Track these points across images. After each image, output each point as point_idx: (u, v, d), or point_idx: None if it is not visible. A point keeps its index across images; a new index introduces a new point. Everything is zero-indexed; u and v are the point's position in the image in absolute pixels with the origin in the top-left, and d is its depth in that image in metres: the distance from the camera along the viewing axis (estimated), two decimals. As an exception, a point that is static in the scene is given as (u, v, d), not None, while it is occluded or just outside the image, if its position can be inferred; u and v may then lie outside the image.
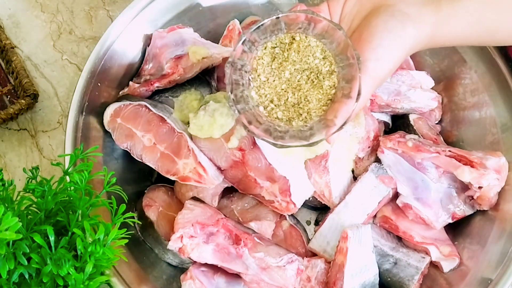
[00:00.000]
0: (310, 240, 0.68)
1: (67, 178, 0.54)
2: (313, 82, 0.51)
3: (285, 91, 0.52)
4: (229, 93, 0.50)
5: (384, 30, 0.50)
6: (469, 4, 0.52)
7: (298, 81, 0.51)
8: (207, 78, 0.75)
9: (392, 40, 0.50)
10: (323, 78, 0.51)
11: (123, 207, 0.53)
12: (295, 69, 0.52)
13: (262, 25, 0.49)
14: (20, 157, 0.78)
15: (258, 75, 0.52)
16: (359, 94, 0.47)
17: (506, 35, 0.55)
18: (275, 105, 0.52)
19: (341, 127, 0.49)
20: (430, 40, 0.52)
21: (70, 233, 0.49)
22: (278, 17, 0.49)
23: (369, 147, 0.69)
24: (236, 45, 0.49)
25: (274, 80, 0.52)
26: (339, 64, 0.50)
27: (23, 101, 0.76)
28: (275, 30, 0.51)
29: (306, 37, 0.51)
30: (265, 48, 0.52)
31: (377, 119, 0.71)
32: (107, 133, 0.68)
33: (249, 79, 0.52)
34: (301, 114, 0.51)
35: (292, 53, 0.51)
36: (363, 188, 0.67)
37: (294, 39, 0.51)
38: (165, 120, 0.65)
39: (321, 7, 0.55)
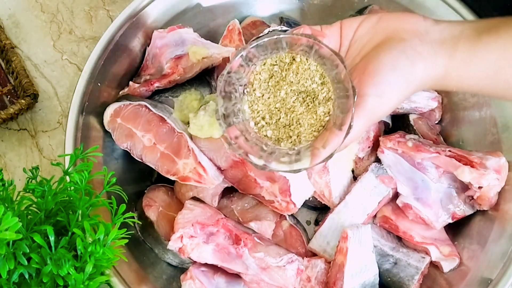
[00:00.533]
0: (310, 240, 0.68)
1: (67, 178, 0.54)
2: (308, 106, 0.50)
3: (278, 110, 0.50)
4: (220, 106, 0.48)
5: (391, 67, 0.47)
6: (488, 53, 0.48)
7: (293, 102, 0.50)
8: (207, 78, 0.75)
9: (398, 78, 0.47)
10: (319, 104, 0.49)
11: (123, 207, 0.53)
12: (291, 90, 0.50)
13: (262, 42, 0.48)
14: (20, 157, 0.78)
15: (254, 90, 0.51)
16: (350, 128, 0.45)
17: None
18: (266, 123, 0.51)
19: (327, 158, 0.47)
20: (438, 82, 0.49)
21: (70, 233, 0.49)
22: (279, 37, 0.47)
23: (369, 147, 0.69)
24: (233, 59, 0.48)
25: (269, 97, 0.51)
26: (337, 93, 0.49)
27: (23, 101, 0.76)
28: (276, 47, 0.49)
29: (307, 59, 0.50)
30: (264, 64, 0.51)
31: (377, 119, 0.71)
32: (107, 133, 0.68)
33: (244, 92, 0.51)
34: (290, 136, 0.50)
35: (290, 74, 0.50)
36: (363, 188, 0.67)
37: (294, 59, 0.50)
38: (165, 120, 0.65)
39: (333, 27, 0.52)
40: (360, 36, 0.51)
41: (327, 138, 0.47)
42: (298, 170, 0.47)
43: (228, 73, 0.48)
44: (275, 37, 0.47)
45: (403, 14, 0.51)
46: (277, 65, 0.51)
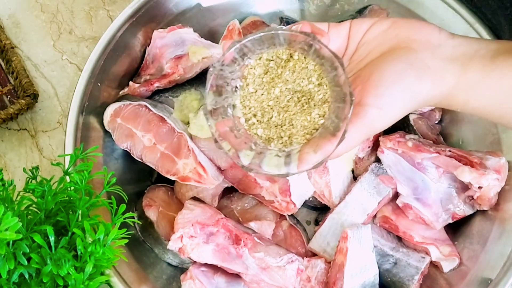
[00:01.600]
0: (310, 240, 0.68)
1: (67, 178, 0.54)
2: (303, 106, 0.47)
3: (271, 109, 0.48)
4: (208, 100, 0.46)
5: (397, 79, 0.44)
6: (501, 78, 0.44)
7: (288, 101, 0.47)
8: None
9: (402, 92, 0.44)
10: (314, 105, 0.46)
11: (123, 207, 0.53)
12: (286, 88, 0.47)
13: (258, 36, 0.45)
14: (20, 157, 0.78)
15: (247, 85, 0.48)
16: (344, 135, 0.43)
17: None
18: (258, 121, 0.48)
19: (317, 165, 0.44)
20: (443, 100, 0.46)
21: (70, 233, 0.49)
22: (276, 32, 0.45)
23: (369, 147, 0.69)
24: (226, 51, 0.45)
25: (262, 94, 0.48)
26: (334, 96, 0.46)
27: (23, 101, 0.76)
28: (273, 43, 0.47)
29: (305, 58, 0.47)
30: (260, 59, 0.48)
31: (377, 119, 0.71)
32: (107, 133, 0.68)
33: (236, 86, 0.48)
34: (281, 137, 0.47)
35: (286, 72, 0.47)
36: (363, 188, 0.67)
37: (292, 57, 0.47)
38: (165, 120, 0.65)
39: (342, 26, 0.49)
40: (368, 39, 0.48)
41: (319, 143, 0.44)
42: (286, 174, 0.45)
43: (221, 65, 0.46)
44: (272, 32, 0.45)
45: (418, 22, 0.47)
46: (273, 60, 0.48)
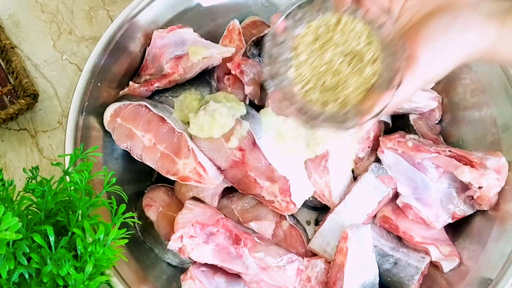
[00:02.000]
0: (310, 240, 0.68)
1: (67, 178, 0.54)
2: (355, 67, 0.49)
3: (324, 73, 0.50)
4: (266, 67, 0.49)
5: (444, 31, 0.48)
6: None
7: (339, 64, 0.50)
8: (207, 78, 0.75)
9: (451, 43, 0.48)
10: (366, 64, 0.49)
11: (123, 207, 0.53)
12: (337, 52, 0.50)
13: (311, 0, 0.47)
14: (20, 157, 0.78)
15: (299, 54, 0.50)
16: (399, 86, 0.46)
17: None
18: (312, 87, 0.50)
19: (376, 115, 0.47)
20: (487, 54, 0.50)
21: (70, 233, 0.49)
22: None
23: (369, 147, 0.69)
24: (279, 18, 0.48)
25: (314, 61, 0.50)
26: (384, 52, 0.48)
27: (23, 101, 0.76)
28: (322, 8, 0.49)
29: (353, 19, 0.49)
30: (309, 27, 0.50)
31: (377, 119, 0.71)
32: (107, 133, 0.68)
33: (288, 57, 0.50)
34: (337, 99, 0.50)
35: (336, 35, 0.49)
36: (363, 188, 0.67)
37: (340, 21, 0.50)
38: (165, 120, 0.65)
39: None
40: (410, 5, 0.51)
41: (376, 98, 0.47)
42: (349, 128, 0.48)
43: (274, 34, 0.48)
44: None
45: None
46: (322, 27, 0.50)
